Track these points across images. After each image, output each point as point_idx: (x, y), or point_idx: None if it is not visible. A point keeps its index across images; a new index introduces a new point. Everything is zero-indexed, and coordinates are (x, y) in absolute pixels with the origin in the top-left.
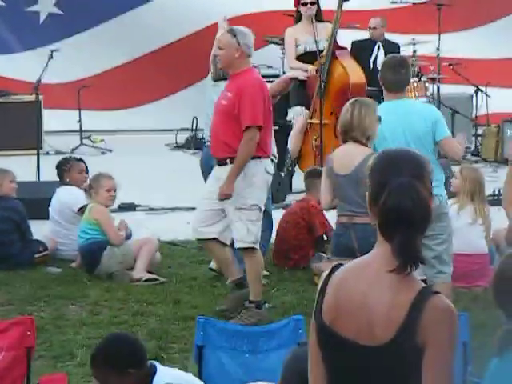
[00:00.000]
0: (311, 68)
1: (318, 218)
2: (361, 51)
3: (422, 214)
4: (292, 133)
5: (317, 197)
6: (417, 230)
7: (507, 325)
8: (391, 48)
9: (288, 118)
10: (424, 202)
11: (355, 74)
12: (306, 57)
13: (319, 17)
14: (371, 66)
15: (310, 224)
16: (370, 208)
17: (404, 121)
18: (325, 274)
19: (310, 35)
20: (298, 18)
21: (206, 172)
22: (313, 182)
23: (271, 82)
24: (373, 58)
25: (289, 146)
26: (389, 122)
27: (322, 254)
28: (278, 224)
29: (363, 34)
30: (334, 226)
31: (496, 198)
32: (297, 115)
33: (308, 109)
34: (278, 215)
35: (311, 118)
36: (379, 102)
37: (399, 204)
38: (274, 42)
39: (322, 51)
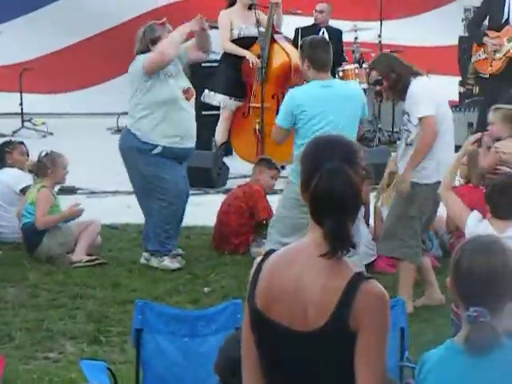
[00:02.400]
0: (251, 55)
1: (261, 203)
2: (305, 37)
3: (352, 198)
4: (219, 122)
5: (262, 183)
6: (348, 215)
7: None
8: (334, 34)
9: (215, 103)
10: (355, 186)
11: (295, 55)
12: (241, 42)
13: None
14: None
15: (252, 209)
16: (302, 193)
17: (334, 102)
18: (258, 259)
19: (244, 21)
20: (230, 1)
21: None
22: (262, 169)
23: (212, 67)
24: None
25: (216, 135)
26: (319, 100)
27: (263, 239)
28: (220, 208)
29: (306, 20)
30: (274, 212)
31: None
32: (223, 105)
33: (239, 98)
34: (218, 199)
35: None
36: None
37: (330, 188)
38: (212, 27)
39: (256, 38)
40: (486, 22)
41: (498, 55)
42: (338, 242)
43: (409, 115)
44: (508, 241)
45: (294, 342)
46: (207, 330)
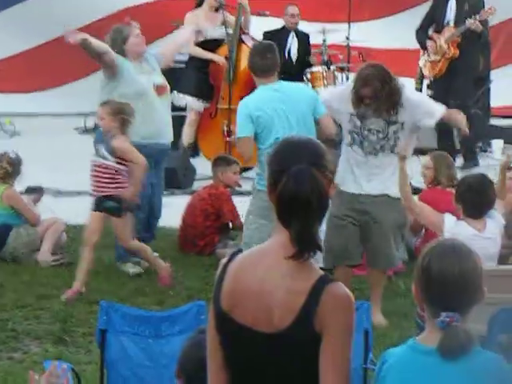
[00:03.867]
0: (218, 57)
1: (226, 206)
2: (275, 41)
3: (319, 201)
4: (186, 123)
5: (223, 183)
6: (314, 217)
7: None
8: (302, 37)
9: (182, 105)
10: (322, 189)
11: None
12: (207, 44)
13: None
14: (286, 57)
15: (218, 211)
16: (269, 195)
17: (286, 104)
18: (223, 260)
19: (211, 22)
20: (198, 2)
21: None
22: (222, 169)
23: (180, 69)
24: (287, 47)
25: (183, 136)
26: (274, 102)
27: (229, 241)
28: (185, 210)
29: (274, 22)
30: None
31: None
32: (190, 107)
33: (206, 99)
34: (184, 201)
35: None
36: None
37: (297, 191)
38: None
39: (223, 40)
40: None
41: (437, 57)
42: (305, 245)
43: (402, 125)
44: (486, 241)
45: (259, 343)
46: (171, 330)
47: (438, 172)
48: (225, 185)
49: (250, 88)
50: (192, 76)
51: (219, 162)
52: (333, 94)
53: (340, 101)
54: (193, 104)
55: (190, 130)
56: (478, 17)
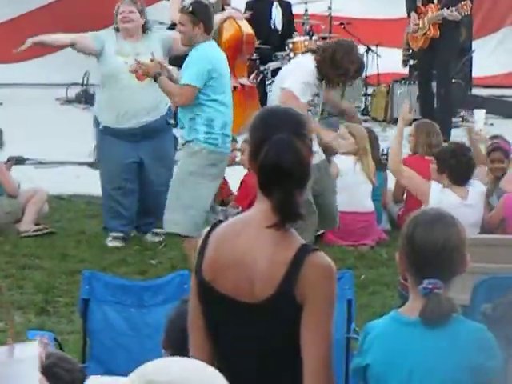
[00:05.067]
0: None
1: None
2: (258, 12)
3: (300, 170)
4: None
5: None
6: (296, 186)
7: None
8: (285, 7)
9: None
10: (303, 158)
11: (246, 27)
12: None
13: None
14: (272, 27)
15: None
16: (250, 164)
17: (224, 61)
18: (205, 230)
19: None
20: None
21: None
22: None
23: None
24: (273, 18)
25: None
26: (221, 60)
27: (216, 207)
28: None
29: None
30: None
31: (385, 157)
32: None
33: None
34: None
35: None
36: (270, 60)
37: (278, 159)
38: None
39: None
40: None
41: (419, 33)
42: (286, 214)
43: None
44: (468, 209)
45: (241, 313)
46: (154, 300)
47: (416, 140)
48: None
49: (233, 58)
50: None
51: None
52: None
53: None
54: (175, 74)
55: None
56: (454, 9)
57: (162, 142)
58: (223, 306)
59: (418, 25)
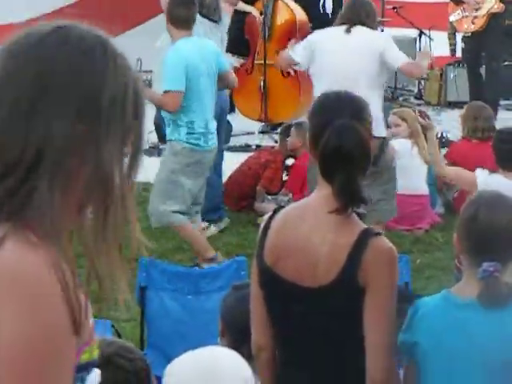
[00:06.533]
0: (256, 11)
1: (269, 173)
2: None
3: (362, 154)
4: None
5: (286, 152)
6: (357, 171)
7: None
8: None
9: None
10: (364, 142)
11: (299, 11)
12: None
13: None
14: (321, 10)
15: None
16: (311, 150)
17: (207, 57)
18: (267, 216)
19: None
20: None
21: None
22: (285, 139)
23: None
24: (322, 1)
25: None
26: (200, 56)
27: (266, 195)
28: (239, 167)
29: None
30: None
31: (443, 140)
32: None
33: (242, 55)
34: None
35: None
36: None
37: (340, 144)
38: None
39: None
40: None
41: (480, 12)
42: (348, 198)
43: None
44: None
45: (303, 297)
46: (211, 287)
47: (464, 124)
48: (285, 154)
49: (286, 43)
50: (227, 31)
51: (287, 132)
52: None
53: None
54: (228, 60)
55: None
56: None
57: None
58: (285, 290)
59: (479, 3)
